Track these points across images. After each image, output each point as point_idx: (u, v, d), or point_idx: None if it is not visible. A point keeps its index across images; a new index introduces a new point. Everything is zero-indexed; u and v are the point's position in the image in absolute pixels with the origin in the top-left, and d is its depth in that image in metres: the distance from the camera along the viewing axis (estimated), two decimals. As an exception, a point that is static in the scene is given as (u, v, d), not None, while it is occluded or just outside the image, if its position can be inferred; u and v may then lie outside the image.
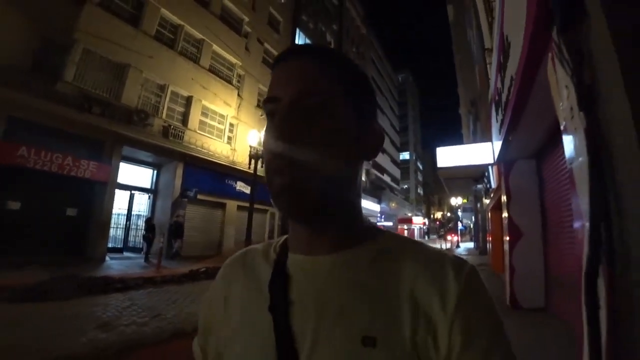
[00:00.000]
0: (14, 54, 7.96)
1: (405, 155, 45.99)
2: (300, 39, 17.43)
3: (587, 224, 1.20)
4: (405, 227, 35.68)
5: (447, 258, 0.42)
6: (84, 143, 8.95)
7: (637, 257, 0.97)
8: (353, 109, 0.43)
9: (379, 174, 30.05)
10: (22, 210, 7.94)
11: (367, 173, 25.62)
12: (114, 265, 8.66)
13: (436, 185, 54.88)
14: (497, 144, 5.71)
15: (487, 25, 6.92)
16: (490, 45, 6.75)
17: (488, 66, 7.07)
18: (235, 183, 12.91)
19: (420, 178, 51.53)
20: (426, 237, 42.97)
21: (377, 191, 26.94)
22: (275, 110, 0.42)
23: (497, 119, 5.48)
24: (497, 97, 5.15)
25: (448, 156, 7.55)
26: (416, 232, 39.69)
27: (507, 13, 3.40)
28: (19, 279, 6.08)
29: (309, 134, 0.40)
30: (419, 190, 50.24)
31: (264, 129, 0.45)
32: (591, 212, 1.18)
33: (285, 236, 0.51)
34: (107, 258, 9.17)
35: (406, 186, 45.84)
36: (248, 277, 0.49)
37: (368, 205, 24.20)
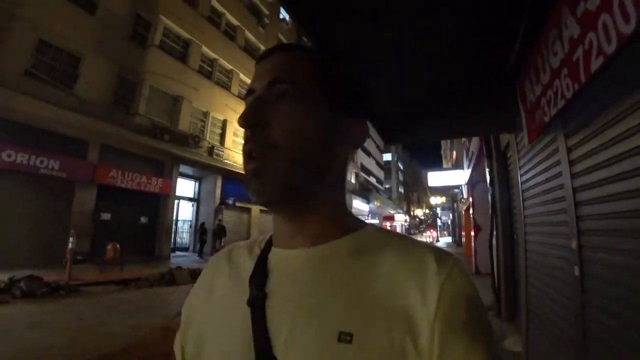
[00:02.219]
0: (101, 92, 10.46)
1: (387, 157, 50.33)
2: (303, 59, 20.36)
3: (490, 216, 4.50)
4: (389, 223, 39.85)
5: (430, 250, 0.42)
6: (151, 163, 11.61)
7: (500, 229, 4.24)
8: (327, 100, 0.45)
9: (366, 177, 33.96)
10: (112, 220, 10.53)
11: (357, 176, 29.32)
12: (179, 261, 11.38)
13: (415, 184, 59.91)
14: (467, 172, 9.16)
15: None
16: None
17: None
18: (258, 191, 15.78)
19: (401, 178, 56.25)
20: (407, 233, 47.72)
21: (365, 192, 30.76)
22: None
23: (466, 158, 8.94)
24: (467, 148, 8.59)
25: (436, 178, 11.08)
26: (398, 228, 44.26)
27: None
28: (138, 272, 8.79)
29: (275, 119, 0.43)
30: (400, 189, 54.95)
31: None
32: (491, 210, 4.48)
33: (271, 233, 0.53)
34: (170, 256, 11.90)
35: (388, 186, 50.13)
36: (231, 272, 0.51)
37: (358, 205, 27.97)
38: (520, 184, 3.16)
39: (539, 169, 2.58)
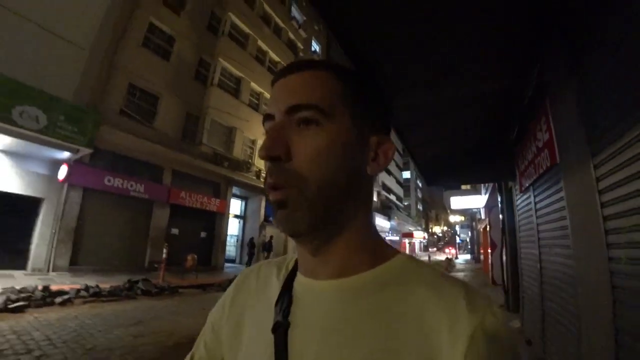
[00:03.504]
0: (173, 125, 12.93)
1: (406, 174, 52.46)
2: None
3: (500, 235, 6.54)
4: (408, 240, 41.68)
5: (463, 289, 0.42)
6: (210, 186, 14.00)
7: (508, 245, 6.25)
8: (356, 121, 0.45)
9: (387, 195, 36.19)
10: (179, 235, 12.83)
11: (379, 194, 31.46)
12: (231, 271, 13.57)
13: (433, 201, 61.51)
14: (485, 197, 11.15)
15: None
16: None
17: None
18: (294, 209, 18.10)
19: (419, 195, 58.01)
20: (426, 250, 49.74)
21: (386, 210, 32.92)
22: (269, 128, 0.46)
23: (484, 186, 10.96)
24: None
25: (457, 201, 13.11)
26: (417, 245, 46.10)
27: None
28: (209, 279, 10.97)
29: (299, 148, 0.43)
30: (418, 206, 56.70)
31: None
32: (502, 230, 6.51)
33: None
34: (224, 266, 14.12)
35: (407, 203, 51.98)
36: (259, 292, 0.54)
37: (380, 222, 30.12)
38: (517, 214, 5.22)
39: (524, 208, 4.66)
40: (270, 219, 7.73)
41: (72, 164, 9.68)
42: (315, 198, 0.42)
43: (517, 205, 5.23)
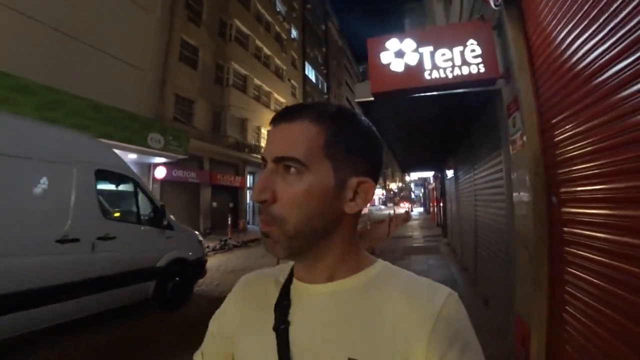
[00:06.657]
0: (206, 123, 18.54)
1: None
2: (307, 68, 28.85)
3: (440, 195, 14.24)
4: (367, 197, 50.54)
5: (428, 286, 0.58)
6: (233, 167, 20.06)
7: (442, 200, 13.87)
8: (332, 170, 0.57)
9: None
10: (217, 206, 18.98)
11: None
12: (253, 229, 20.10)
13: (389, 160, 70.46)
14: (432, 172, 18.83)
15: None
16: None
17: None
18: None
19: (376, 154, 66.36)
20: (384, 205, 59.37)
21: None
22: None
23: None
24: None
25: (416, 174, 20.71)
26: (376, 201, 55.23)
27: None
28: (252, 236, 17.51)
29: (281, 194, 0.56)
30: (375, 164, 65.31)
31: None
32: (440, 191, 14.17)
33: (293, 263, 0.69)
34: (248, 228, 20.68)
35: (365, 161, 60.09)
36: (259, 298, 0.69)
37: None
38: (446, 185, 12.63)
39: (448, 184, 12.01)
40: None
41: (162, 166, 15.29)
42: (292, 236, 0.56)
43: (446, 183, 12.59)
